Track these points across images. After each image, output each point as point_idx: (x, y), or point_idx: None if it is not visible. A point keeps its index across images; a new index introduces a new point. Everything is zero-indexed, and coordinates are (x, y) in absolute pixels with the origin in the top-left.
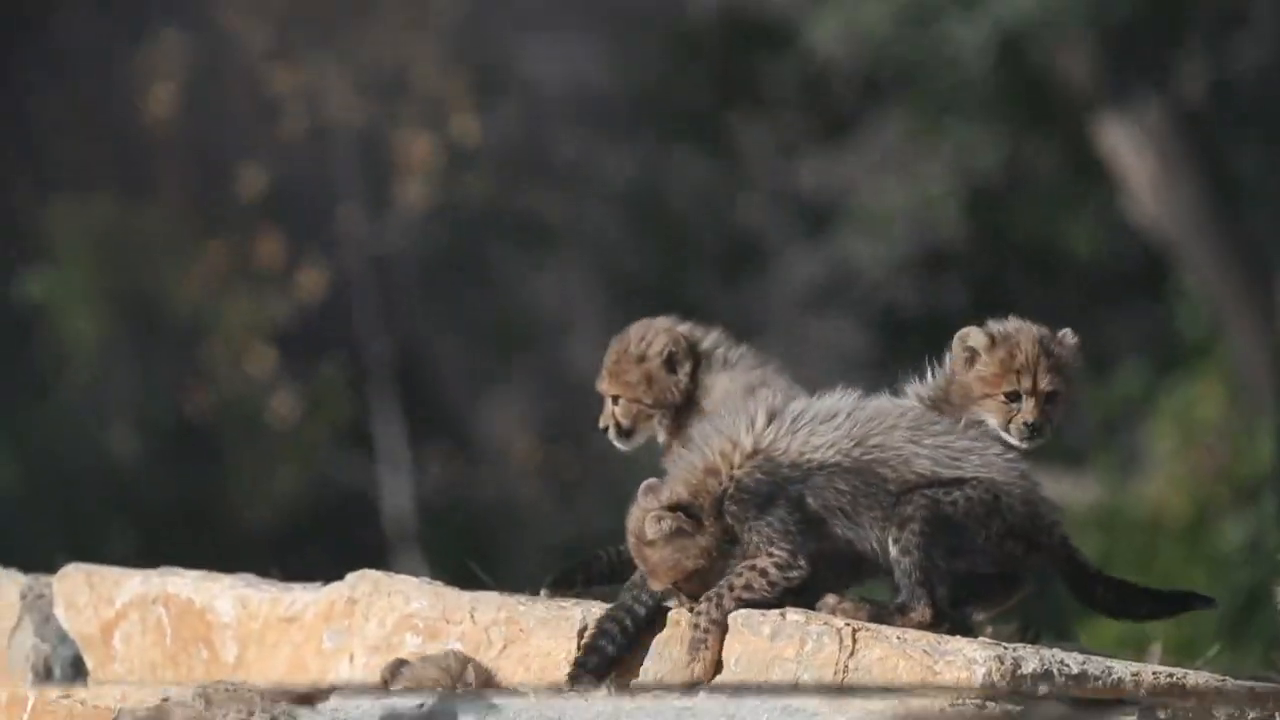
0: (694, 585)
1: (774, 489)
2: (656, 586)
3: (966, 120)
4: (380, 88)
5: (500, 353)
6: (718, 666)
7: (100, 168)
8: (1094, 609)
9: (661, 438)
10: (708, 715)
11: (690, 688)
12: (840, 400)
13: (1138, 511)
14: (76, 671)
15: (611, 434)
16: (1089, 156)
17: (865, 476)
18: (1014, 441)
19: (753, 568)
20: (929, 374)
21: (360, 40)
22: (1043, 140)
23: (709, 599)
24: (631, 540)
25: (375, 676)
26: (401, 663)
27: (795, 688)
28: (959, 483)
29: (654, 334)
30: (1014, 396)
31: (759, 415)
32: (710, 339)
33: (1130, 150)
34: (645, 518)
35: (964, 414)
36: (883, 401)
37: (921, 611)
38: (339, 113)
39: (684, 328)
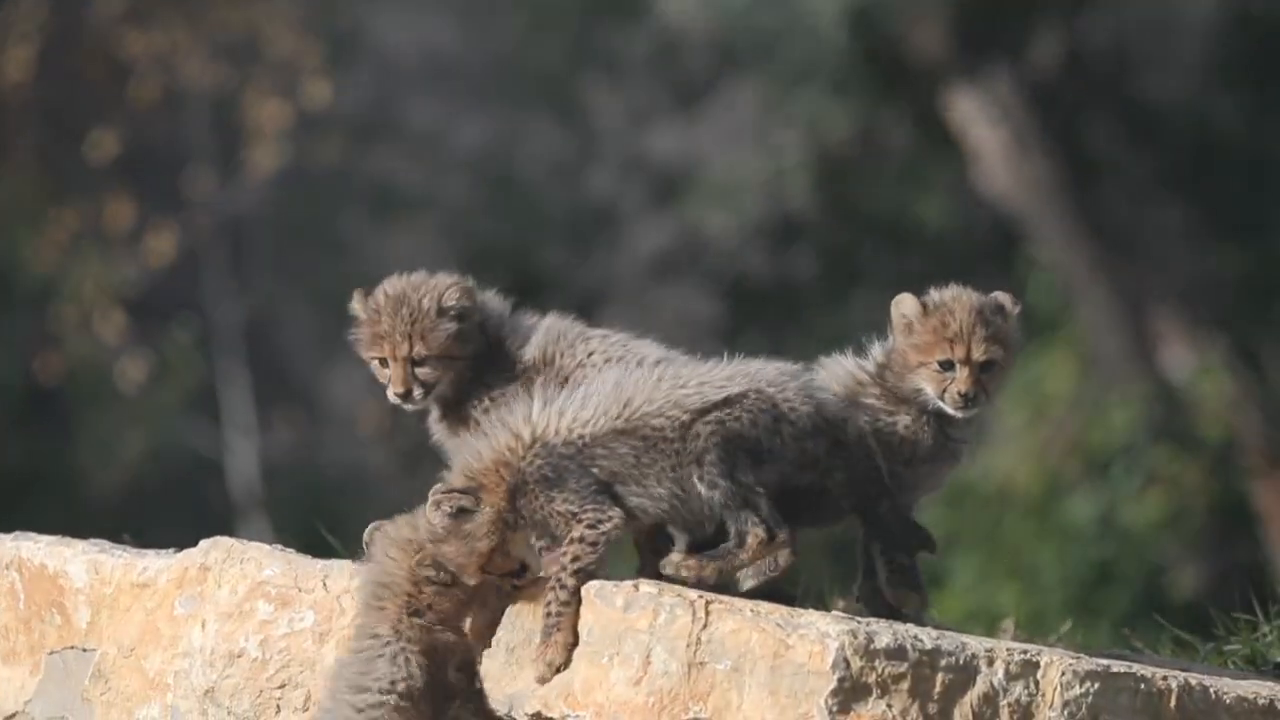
0: (500, 563)
1: (557, 469)
2: (471, 582)
3: (819, 91)
4: (232, 52)
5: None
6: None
7: None
8: (870, 530)
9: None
10: None
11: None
12: (615, 372)
13: (986, 486)
14: None
15: (417, 394)
16: (941, 128)
17: (641, 432)
18: (950, 410)
19: (571, 542)
20: (875, 346)
21: (213, 4)
22: (895, 111)
23: (551, 588)
24: (430, 548)
25: (226, 644)
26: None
27: None
28: (738, 399)
29: (444, 287)
30: (947, 365)
31: (534, 403)
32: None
33: (982, 122)
34: (427, 511)
35: (904, 383)
36: (645, 369)
37: (754, 534)
38: (191, 77)
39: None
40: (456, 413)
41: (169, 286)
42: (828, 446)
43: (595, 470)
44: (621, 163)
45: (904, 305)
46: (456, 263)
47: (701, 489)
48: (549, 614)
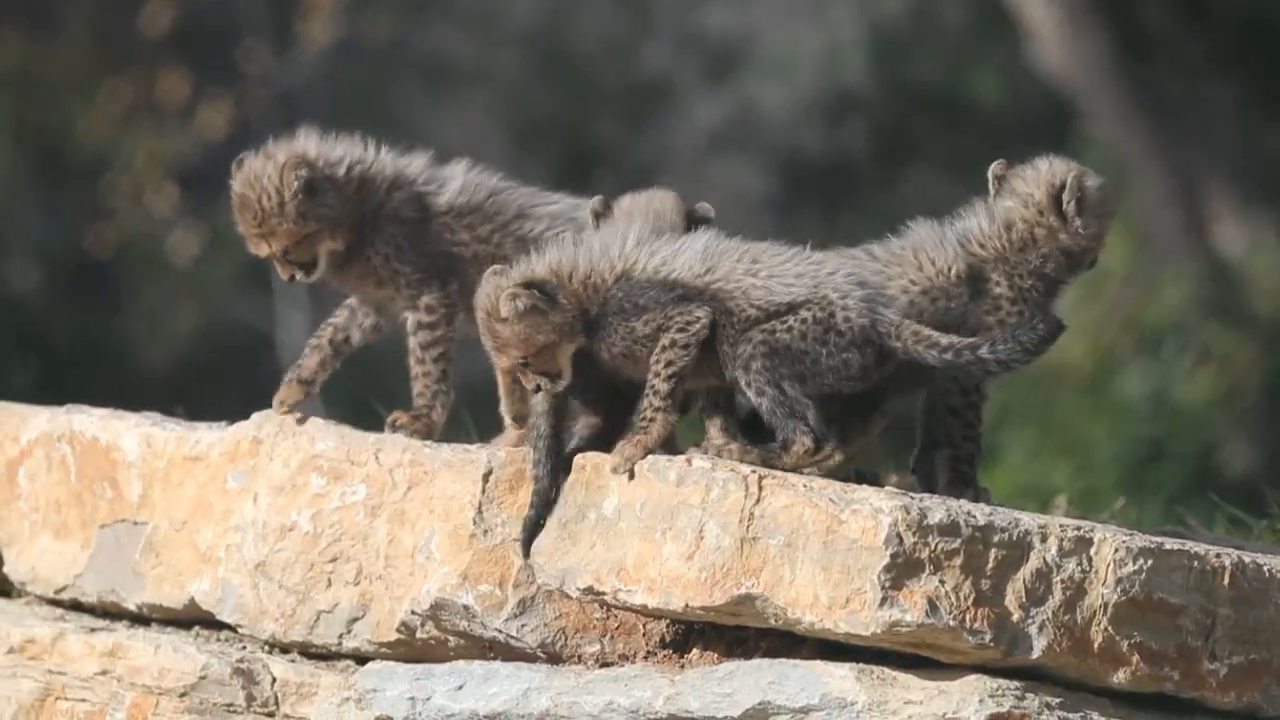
0: (544, 361)
1: (634, 300)
2: (504, 363)
3: None
4: None
5: None
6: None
7: (6, 3)
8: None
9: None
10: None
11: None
12: (707, 236)
13: (1039, 363)
14: None
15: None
16: (995, 4)
17: (710, 303)
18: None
19: (664, 349)
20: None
21: None
22: None
23: (645, 394)
24: (481, 315)
25: (278, 518)
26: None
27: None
28: (792, 310)
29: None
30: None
31: (629, 236)
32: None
33: None
34: (499, 295)
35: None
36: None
37: (801, 442)
38: None
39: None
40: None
41: (222, 159)
42: (876, 357)
43: (680, 290)
44: (676, 37)
45: (1088, 179)
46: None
47: (751, 396)
48: (642, 417)
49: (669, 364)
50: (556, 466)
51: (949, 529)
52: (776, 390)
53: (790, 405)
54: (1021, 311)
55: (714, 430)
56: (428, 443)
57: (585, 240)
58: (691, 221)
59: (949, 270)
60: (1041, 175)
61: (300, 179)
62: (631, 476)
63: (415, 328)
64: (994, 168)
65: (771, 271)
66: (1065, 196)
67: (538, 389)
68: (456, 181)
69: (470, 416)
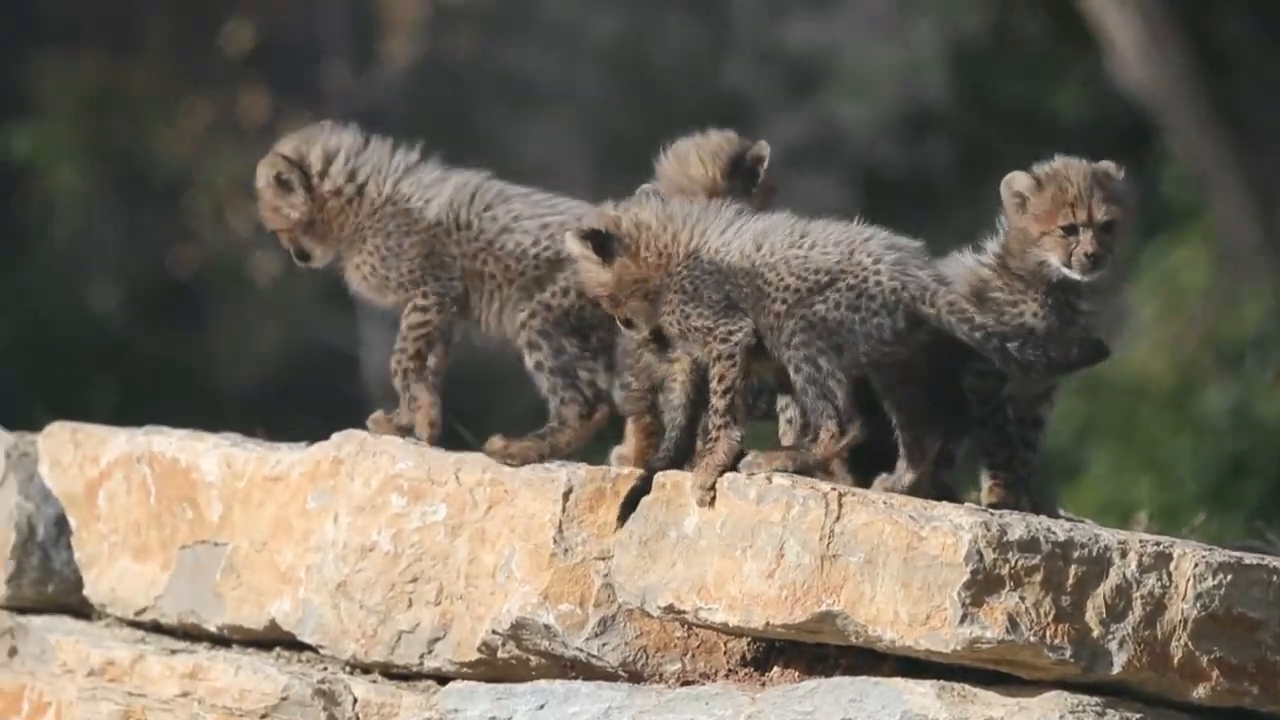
0: (618, 310)
1: (695, 283)
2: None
3: None
4: None
5: None
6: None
7: (87, 22)
8: (1013, 369)
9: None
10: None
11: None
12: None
13: (1120, 378)
14: (60, 531)
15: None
16: (1075, 19)
17: (756, 281)
18: (1076, 275)
19: (714, 363)
20: (989, 241)
21: None
22: (1030, 2)
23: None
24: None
25: (358, 538)
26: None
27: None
28: (831, 279)
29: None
30: (1071, 230)
31: (706, 215)
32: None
33: (1117, 13)
34: (568, 231)
35: (1026, 260)
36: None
37: (826, 428)
38: None
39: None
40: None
41: None
42: (907, 322)
43: (729, 289)
44: (757, 53)
45: (1016, 182)
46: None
47: (791, 371)
48: (709, 438)
49: (720, 379)
50: (683, 458)
51: (1029, 545)
52: (812, 367)
53: (822, 384)
54: (1021, 313)
55: (721, 450)
56: (509, 461)
57: (670, 208)
58: (744, 161)
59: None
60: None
61: (273, 174)
62: (713, 503)
63: (406, 315)
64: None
65: (814, 241)
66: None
67: (628, 324)
68: (444, 196)
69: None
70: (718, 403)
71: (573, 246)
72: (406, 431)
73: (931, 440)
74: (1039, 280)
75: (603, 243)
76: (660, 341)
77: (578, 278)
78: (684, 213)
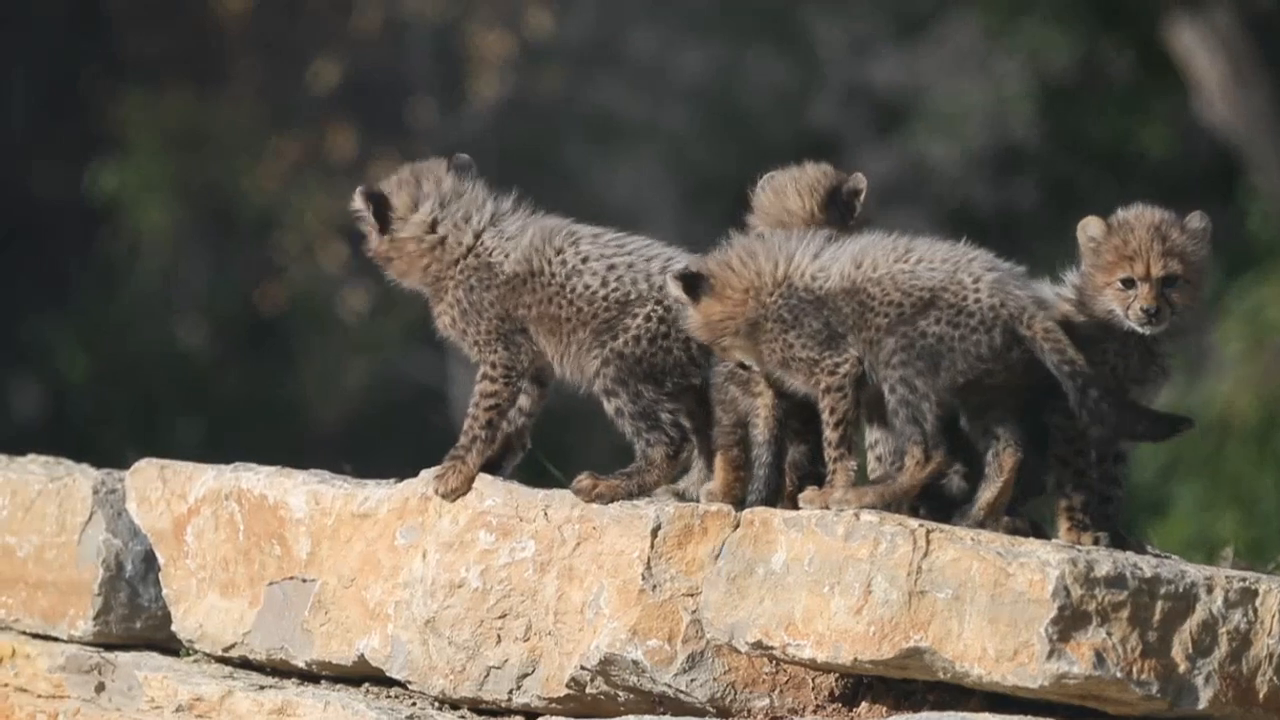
0: (724, 354)
1: (794, 311)
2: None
3: (1041, 20)
4: None
5: None
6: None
7: (175, 60)
8: (1083, 414)
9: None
10: None
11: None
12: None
13: (1207, 413)
14: (148, 567)
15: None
16: (1162, 58)
17: (859, 298)
18: (1136, 328)
19: (822, 395)
20: (1070, 273)
21: None
22: (1117, 41)
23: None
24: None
25: (447, 574)
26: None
27: None
28: (934, 298)
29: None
30: (1129, 283)
31: (797, 243)
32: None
33: (1202, 52)
34: (668, 278)
35: (1095, 306)
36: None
37: (911, 454)
38: (414, 5)
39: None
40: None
41: None
42: (1004, 340)
43: (829, 316)
44: (844, 92)
45: (1090, 228)
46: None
47: (885, 391)
48: (830, 470)
49: (831, 410)
50: (774, 495)
51: (1116, 581)
52: (907, 389)
53: (916, 407)
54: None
55: (840, 481)
56: (596, 500)
57: (754, 242)
58: (841, 194)
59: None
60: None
61: (359, 208)
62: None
63: (479, 380)
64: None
65: (920, 256)
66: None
67: (743, 365)
68: (522, 247)
69: None
70: (831, 435)
71: (672, 290)
72: (494, 469)
73: (1010, 455)
74: (1112, 326)
75: (692, 283)
76: (745, 376)
77: (683, 324)
78: (768, 245)
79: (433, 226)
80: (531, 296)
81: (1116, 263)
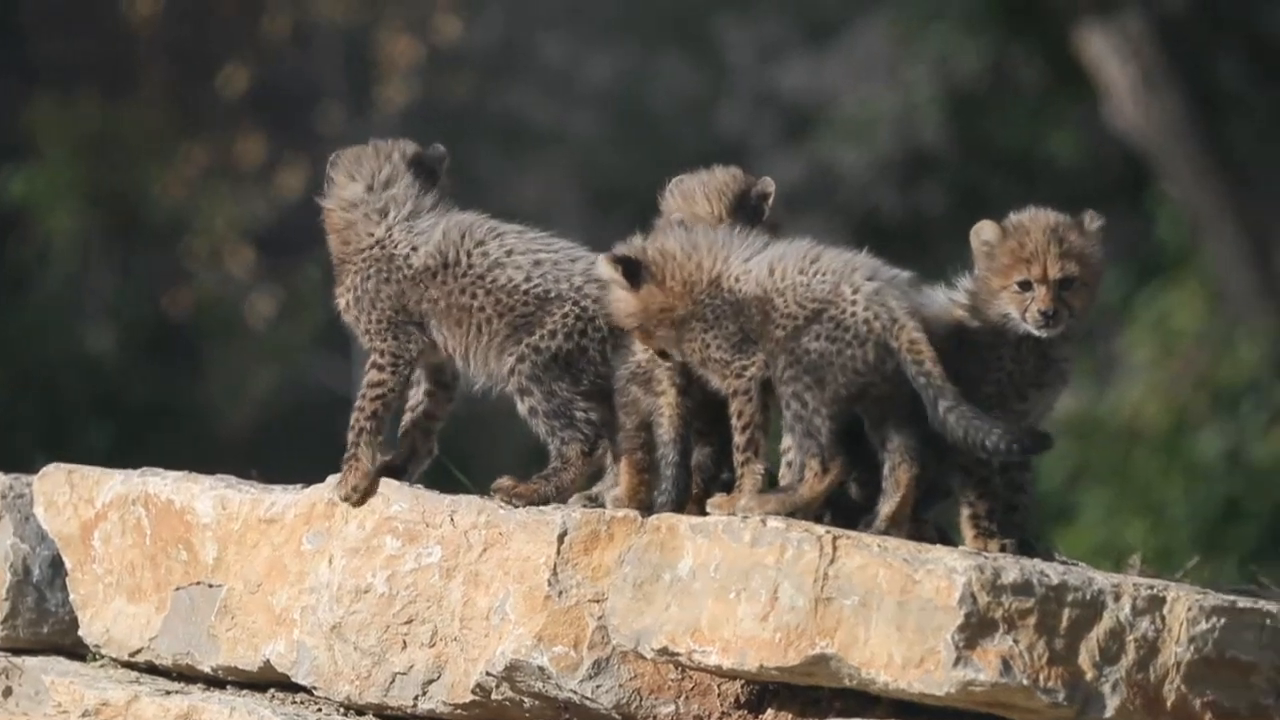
0: (649, 342)
1: (716, 312)
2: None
3: (951, 26)
4: None
5: None
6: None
7: (85, 66)
8: (938, 430)
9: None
10: None
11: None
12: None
13: (1115, 421)
14: (55, 572)
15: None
16: (1071, 64)
17: (765, 307)
18: (1033, 331)
19: (731, 398)
20: (963, 278)
21: None
22: (1026, 47)
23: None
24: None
25: (353, 580)
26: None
27: None
28: (817, 316)
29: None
30: (1026, 285)
31: (732, 243)
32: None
33: (1113, 58)
34: (601, 258)
35: (990, 310)
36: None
37: (810, 466)
38: (322, 12)
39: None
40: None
41: (299, 222)
42: (876, 353)
43: (743, 322)
44: (753, 98)
45: (984, 232)
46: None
47: (785, 411)
48: (738, 475)
49: (738, 414)
50: (683, 495)
51: (1022, 588)
52: (799, 404)
53: (808, 421)
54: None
55: (747, 485)
56: (502, 504)
57: (695, 236)
58: (749, 198)
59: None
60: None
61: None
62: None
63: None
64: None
65: (821, 267)
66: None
67: (663, 354)
68: (433, 242)
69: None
70: (738, 439)
71: (604, 270)
72: (399, 474)
73: (905, 470)
74: (1006, 331)
75: (632, 269)
76: (647, 375)
77: (608, 308)
78: (709, 240)
79: (351, 207)
80: (440, 289)
81: (1012, 265)
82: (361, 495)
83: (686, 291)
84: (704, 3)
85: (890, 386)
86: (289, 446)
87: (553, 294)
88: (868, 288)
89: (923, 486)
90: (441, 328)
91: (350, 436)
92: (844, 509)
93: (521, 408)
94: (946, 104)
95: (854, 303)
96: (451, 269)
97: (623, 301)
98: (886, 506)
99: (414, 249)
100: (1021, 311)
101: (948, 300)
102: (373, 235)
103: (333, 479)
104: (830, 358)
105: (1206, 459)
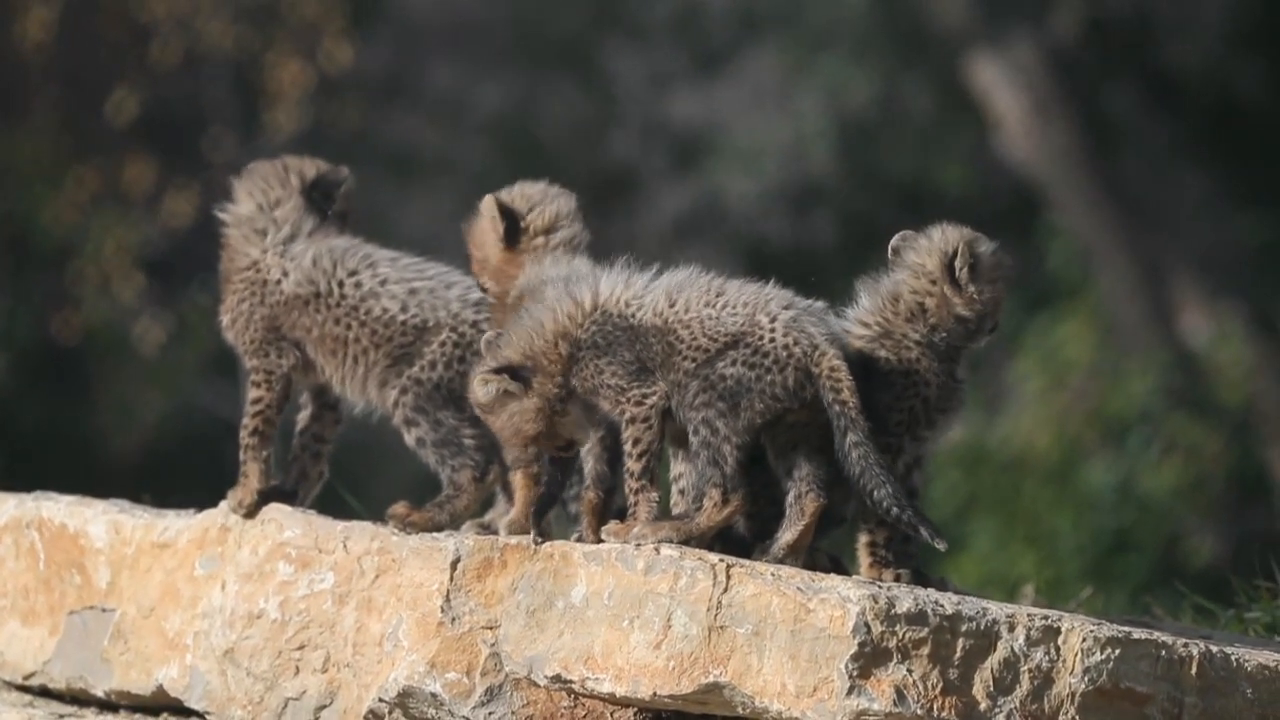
0: (546, 444)
1: (608, 338)
2: (509, 457)
3: (840, 56)
4: (252, 13)
5: None
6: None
7: None
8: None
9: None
10: None
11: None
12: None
13: (1004, 452)
14: None
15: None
16: (962, 94)
17: (669, 338)
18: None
19: (627, 425)
20: (861, 299)
21: None
22: (916, 77)
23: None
24: (478, 412)
25: (246, 605)
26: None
27: None
28: (733, 344)
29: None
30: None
31: (605, 274)
32: (536, 215)
33: (1003, 88)
34: (474, 381)
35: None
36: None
37: (710, 495)
38: (212, 38)
39: (518, 192)
40: None
41: (188, 248)
42: (797, 378)
43: (640, 350)
44: (642, 126)
45: (980, 245)
46: None
47: (690, 432)
48: (631, 503)
49: (635, 441)
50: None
51: (916, 618)
52: (709, 430)
53: (716, 449)
54: (915, 384)
55: (643, 513)
56: (396, 531)
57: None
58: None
59: None
60: (934, 243)
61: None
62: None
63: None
64: (894, 240)
65: (728, 301)
66: (958, 263)
67: (564, 458)
68: (303, 269)
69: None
70: (633, 465)
71: (495, 389)
72: (290, 496)
73: (812, 500)
74: (938, 349)
75: (516, 373)
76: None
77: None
78: (555, 296)
79: (238, 224)
80: (313, 318)
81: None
82: (249, 510)
83: (562, 345)
84: (593, 31)
85: (807, 414)
86: (178, 472)
87: (430, 323)
88: (785, 315)
89: (825, 518)
90: (317, 355)
91: (241, 455)
92: (734, 541)
93: (409, 439)
94: (836, 134)
95: (772, 330)
96: (324, 299)
97: (522, 409)
98: (788, 534)
99: (285, 274)
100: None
101: (855, 324)
102: (249, 256)
103: (224, 504)
104: (749, 383)
105: (1097, 490)
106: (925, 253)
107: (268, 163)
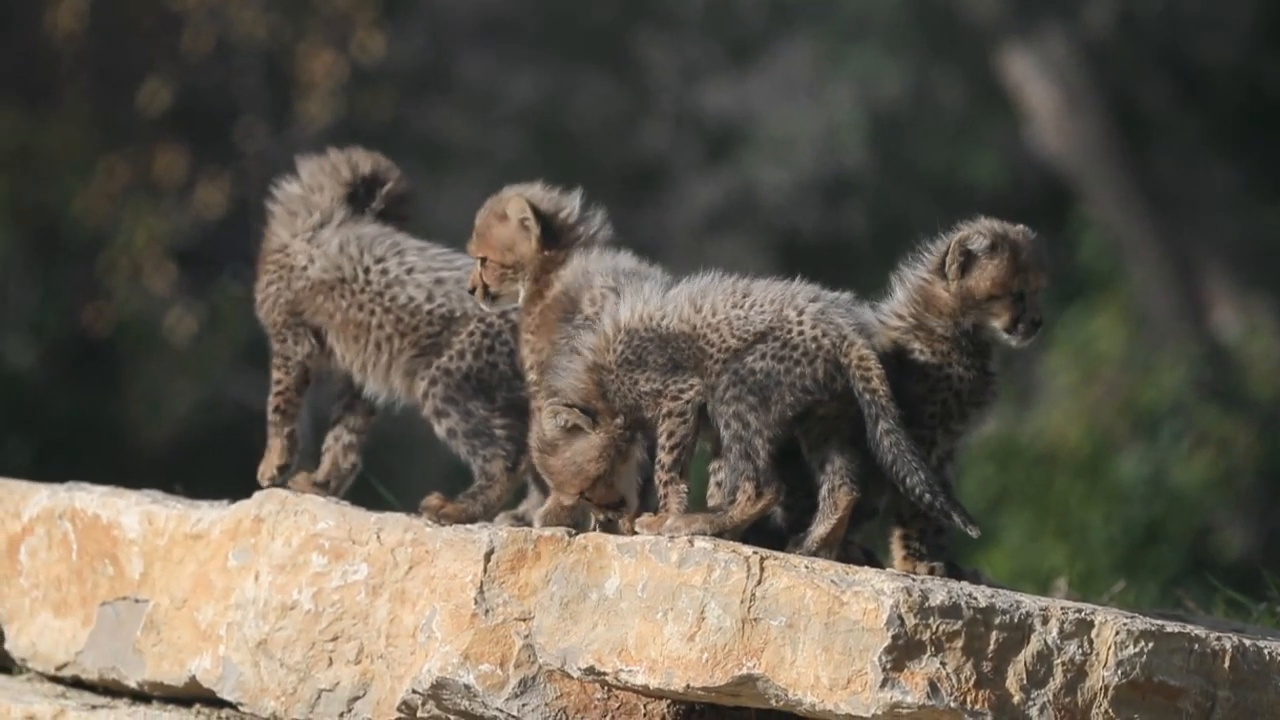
0: (602, 492)
1: (638, 351)
2: (567, 501)
3: (873, 48)
4: (285, 3)
5: None
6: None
7: (3, 79)
8: (872, 449)
9: (520, 300)
10: None
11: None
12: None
13: (1036, 445)
14: None
15: (478, 295)
16: (994, 87)
17: (699, 343)
18: (1016, 342)
19: (662, 420)
20: (895, 292)
21: None
22: (948, 69)
23: (655, 470)
24: (535, 455)
25: (279, 596)
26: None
27: None
28: (761, 338)
29: (512, 197)
30: (1020, 296)
31: (622, 301)
32: (568, 212)
33: (1035, 81)
34: (543, 414)
35: (964, 319)
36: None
37: (744, 489)
38: (244, 28)
39: (539, 194)
40: None
41: (220, 238)
42: (826, 370)
43: (672, 352)
44: (675, 118)
45: (972, 241)
46: None
47: (720, 426)
48: (660, 495)
49: (669, 434)
50: None
51: (950, 611)
52: (740, 424)
53: (748, 442)
54: (947, 376)
55: (674, 505)
56: (429, 522)
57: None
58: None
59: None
60: (948, 238)
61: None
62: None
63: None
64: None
65: (755, 300)
66: (948, 259)
67: (608, 522)
68: (330, 255)
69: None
70: (665, 458)
71: (558, 421)
72: (323, 487)
73: (845, 493)
74: (970, 342)
75: (589, 413)
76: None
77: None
78: (582, 335)
79: (279, 205)
80: (336, 304)
81: (1012, 274)
82: (270, 482)
83: (598, 375)
84: (626, 22)
85: (838, 405)
86: (210, 463)
87: (457, 313)
88: (813, 308)
89: (859, 511)
90: (338, 341)
91: (269, 430)
92: (769, 533)
93: (439, 430)
94: (868, 125)
95: (800, 323)
96: (349, 284)
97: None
98: (821, 528)
99: (311, 261)
100: (1014, 320)
101: (890, 316)
102: (281, 238)
103: (259, 495)
104: (778, 376)
105: (1128, 483)
106: (938, 247)
107: (333, 150)
